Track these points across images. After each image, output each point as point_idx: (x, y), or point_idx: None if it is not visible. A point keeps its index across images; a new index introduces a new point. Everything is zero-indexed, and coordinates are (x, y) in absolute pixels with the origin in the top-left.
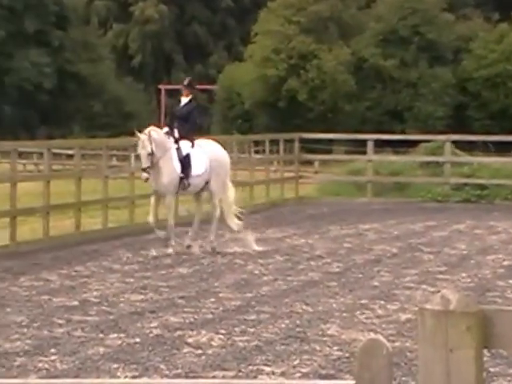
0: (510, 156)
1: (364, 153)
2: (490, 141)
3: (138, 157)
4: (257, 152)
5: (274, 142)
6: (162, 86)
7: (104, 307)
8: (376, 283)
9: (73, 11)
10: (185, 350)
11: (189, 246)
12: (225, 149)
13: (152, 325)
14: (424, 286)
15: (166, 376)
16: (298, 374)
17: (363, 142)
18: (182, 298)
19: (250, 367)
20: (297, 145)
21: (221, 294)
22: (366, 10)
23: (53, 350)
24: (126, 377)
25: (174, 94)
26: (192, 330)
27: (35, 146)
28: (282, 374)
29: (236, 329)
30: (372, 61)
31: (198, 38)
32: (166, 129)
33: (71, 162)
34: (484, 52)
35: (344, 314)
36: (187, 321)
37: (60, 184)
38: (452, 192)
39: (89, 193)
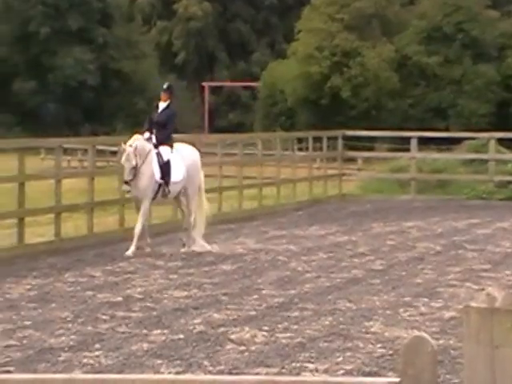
0: None
1: (407, 150)
2: None
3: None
4: (300, 149)
5: (317, 140)
6: (205, 84)
7: (148, 303)
8: (419, 281)
9: (116, 8)
10: (228, 347)
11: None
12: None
13: (195, 321)
14: (468, 284)
15: (210, 372)
16: (342, 371)
17: (406, 140)
18: (225, 294)
19: (294, 364)
20: (340, 142)
21: (264, 291)
22: (410, 7)
23: (97, 346)
24: (169, 373)
25: (217, 92)
26: (235, 326)
27: (80, 142)
28: (326, 371)
29: (279, 325)
30: (415, 58)
31: (241, 36)
32: (148, 134)
33: (115, 158)
34: None
35: (387, 312)
36: (230, 317)
37: (104, 181)
38: (496, 189)
39: None
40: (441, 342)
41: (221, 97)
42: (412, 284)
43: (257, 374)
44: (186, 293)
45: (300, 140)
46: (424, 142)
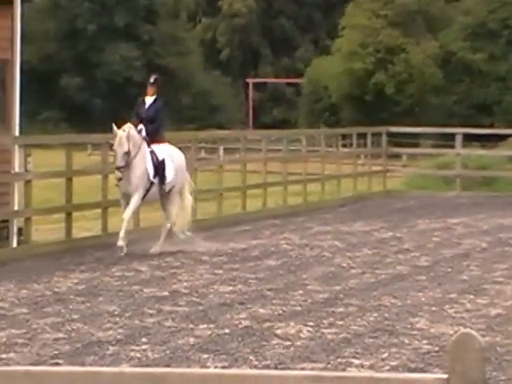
0: None
1: (451, 147)
2: None
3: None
4: (344, 146)
5: (362, 136)
6: (249, 80)
7: (193, 298)
8: (465, 277)
9: (162, 5)
10: (274, 342)
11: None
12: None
13: (241, 316)
14: None
15: (256, 367)
16: (387, 367)
17: (450, 136)
18: (270, 289)
19: (339, 359)
20: (384, 138)
21: (309, 287)
22: (454, 4)
23: (144, 340)
24: (215, 367)
25: (261, 88)
26: (281, 321)
27: None
28: (371, 367)
29: (324, 321)
30: (460, 54)
31: (284, 32)
32: (141, 126)
33: None
34: None
35: (433, 308)
36: (276, 312)
37: None
38: None
39: None
40: (487, 339)
41: (265, 93)
42: (458, 280)
43: (302, 369)
44: (231, 288)
45: (344, 136)
46: (469, 139)
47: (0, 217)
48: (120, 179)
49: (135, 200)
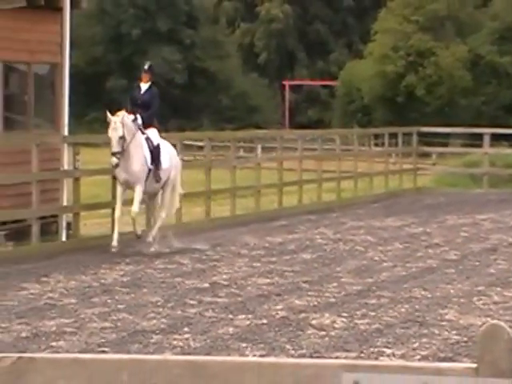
0: None
1: (479, 146)
2: None
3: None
4: (376, 145)
5: (393, 135)
6: (286, 82)
7: (233, 289)
8: (492, 271)
9: (202, 11)
10: (309, 332)
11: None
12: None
13: (278, 307)
14: None
15: (292, 356)
16: (418, 357)
17: (478, 136)
18: (305, 282)
19: (371, 349)
20: (415, 138)
21: (342, 279)
22: (483, 9)
23: (186, 329)
24: (254, 355)
25: (297, 90)
26: (315, 312)
27: (168, 137)
28: (402, 356)
29: (357, 312)
30: (488, 58)
31: (319, 36)
32: (133, 116)
33: (201, 152)
34: None
35: (461, 300)
36: (311, 304)
37: (191, 173)
38: None
39: (218, 182)
40: None
41: (301, 95)
42: (485, 274)
43: (336, 357)
44: (268, 280)
45: (376, 136)
46: (496, 139)
47: (50, 212)
48: (117, 165)
49: (139, 191)
